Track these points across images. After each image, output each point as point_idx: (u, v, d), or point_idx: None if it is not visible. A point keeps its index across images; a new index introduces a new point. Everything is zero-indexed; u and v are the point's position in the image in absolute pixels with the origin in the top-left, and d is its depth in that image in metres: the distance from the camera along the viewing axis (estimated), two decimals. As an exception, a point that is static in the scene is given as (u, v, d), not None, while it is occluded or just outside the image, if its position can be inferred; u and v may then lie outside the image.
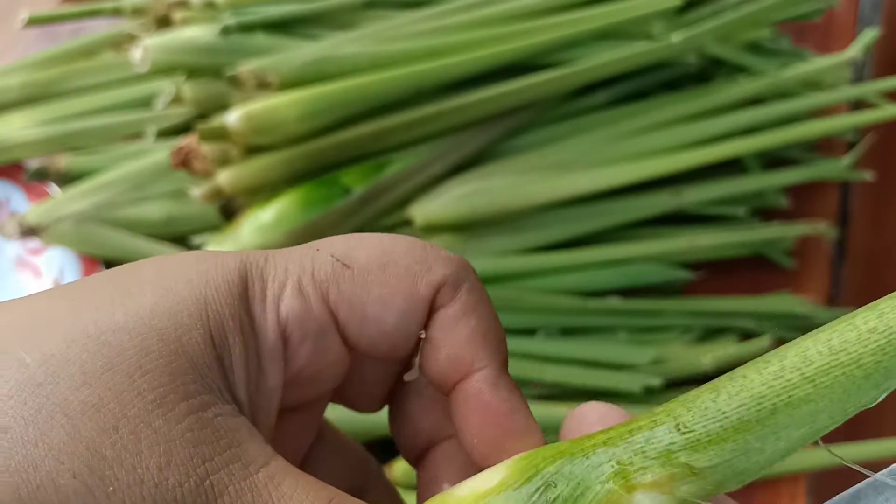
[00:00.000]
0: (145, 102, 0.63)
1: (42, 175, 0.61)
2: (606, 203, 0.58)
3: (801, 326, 0.58)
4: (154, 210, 0.58)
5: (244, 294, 0.23)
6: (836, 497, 0.22)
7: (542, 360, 0.53)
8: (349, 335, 0.25)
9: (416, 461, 0.27)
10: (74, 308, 0.22)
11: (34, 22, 0.66)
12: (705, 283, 0.59)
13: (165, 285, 0.22)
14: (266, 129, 0.52)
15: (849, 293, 0.68)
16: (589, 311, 0.55)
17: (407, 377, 0.27)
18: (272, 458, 0.22)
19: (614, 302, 0.56)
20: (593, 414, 0.24)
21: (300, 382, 0.25)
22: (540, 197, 0.56)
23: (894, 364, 0.20)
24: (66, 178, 0.61)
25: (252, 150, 0.53)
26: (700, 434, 0.21)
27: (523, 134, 0.59)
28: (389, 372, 0.27)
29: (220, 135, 0.52)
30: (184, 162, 0.54)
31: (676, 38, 0.58)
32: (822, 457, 0.50)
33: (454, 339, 0.25)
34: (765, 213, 0.62)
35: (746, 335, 0.57)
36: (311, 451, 0.28)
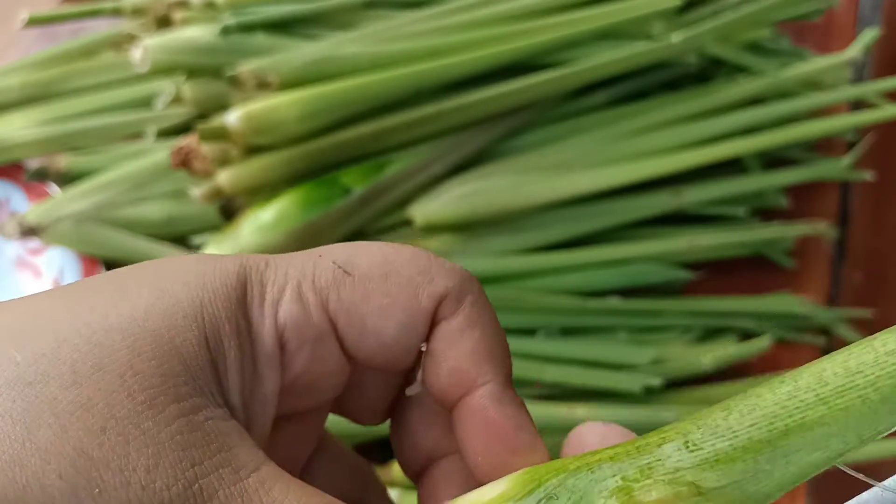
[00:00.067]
0: (145, 102, 0.63)
1: (42, 175, 0.61)
2: (606, 203, 0.58)
3: (801, 326, 0.58)
4: (154, 210, 0.58)
5: (242, 298, 0.23)
6: None
7: (542, 360, 0.53)
8: (348, 345, 0.24)
9: (417, 477, 0.26)
10: (69, 309, 0.22)
11: (34, 22, 0.66)
12: (705, 283, 0.59)
13: (162, 287, 0.22)
14: (266, 129, 0.52)
15: (849, 293, 0.68)
16: (589, 311, 0.55)
17: (409, 392, 0.26)
18: (263, 462, 0.21)
19: (614, 302, 0.56)
20: (592, 435, 0.24)
21: (298, 390, 0.24)
22: (540, 197, 0.56)
23: None
24: (66, 178, 0.61)
25: (252, 150, 0.53)
26: (708, 453, 0.21)
27: (523, 134, 0.59)
28: (391, 384, 0.26)
29: (220, 135, 0.52)
30: (184, 162, 0.54)
31: (676, 38, 0.58)
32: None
33: (457, 353, 0.24)
34: (765, 213, 0.62)
35: (746, 335, 0.57)
36: (311, 461, 0.27)
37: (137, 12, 0.62)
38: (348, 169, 0.54)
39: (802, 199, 0.63)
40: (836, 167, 0.63)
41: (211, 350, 0.22)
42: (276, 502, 0.21)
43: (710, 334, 0.57)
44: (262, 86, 0.53)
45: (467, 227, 0.56)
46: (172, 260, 0.24)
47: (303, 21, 0.58)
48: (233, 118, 0.52)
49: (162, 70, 0.56)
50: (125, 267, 0.24)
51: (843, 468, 0.21)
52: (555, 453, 0.24)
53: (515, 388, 0.25)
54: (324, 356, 0.24)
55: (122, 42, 0.66)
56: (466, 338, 0.24)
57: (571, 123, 0.59)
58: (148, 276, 0.23)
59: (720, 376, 0.55)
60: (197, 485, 0.20)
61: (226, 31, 0.55)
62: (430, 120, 0.55)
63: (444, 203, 0.55)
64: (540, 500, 0.21)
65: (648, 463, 0.21)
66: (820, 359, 0.21)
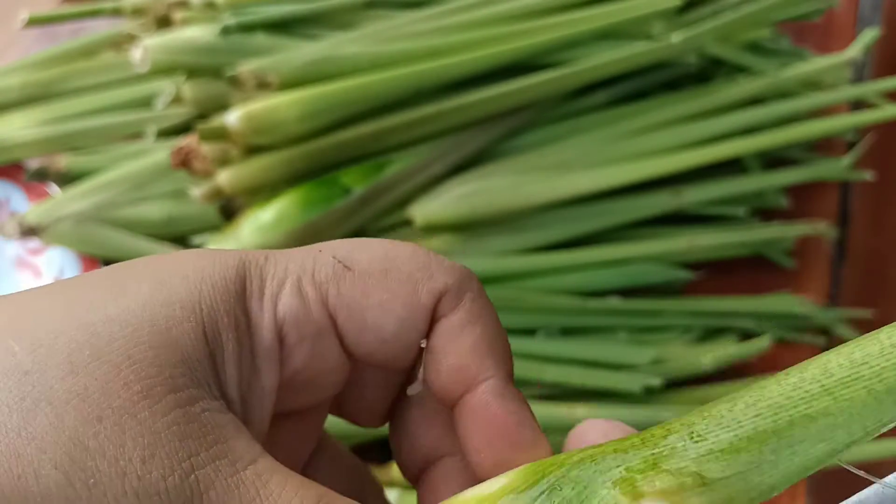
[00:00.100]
0: (145, 102, 0.63)
1: (42, 175, 0.61)
2: (606, 203, 0.58)
3: (801, 326, 0.58)
4: (154, 210, 0.58)
5: (241, 291, 0.23)
6: (845, 502, 0.22)
7: (542, 360, 0.53)
8: (347, 340, 0.24)
9: (416, 478, 0.26)
10: (68, 302, 0.22)
11: (34, 22, 0.66)
12: (705, 283, 0.59)
13: (160, 280, 0.22)
14: (266, 129, 0.52)
15: (849, 293, 0.68)
16: (589, 311, 0.55)
17: (410, 391, 0.26)
18: (260, 455, 0.21)
19: (614, 302, 0.56)
20: (594, 432, 0.24)
21: (297, 386, 0.24)
22: (540, 197, 0.56)
23: None
24: (66, 178, 0.61)
25: (252, 150, 0.53)
26: (713, 443, 0.21)
27: (523, 134, 0.59)
28: (391, 384, 0.26)
29: (220, 135, 0.52)
30: (184, 162, 0.54)
31: (676, 38, 0.58)
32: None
33: (458, 349, 0.24)
34: (765, 213, 0.62)
35: (746, 335, 0.57)
36: (310, 462, 0.27)
37: (137, 12, 0.62)
38: (348, 169, 0.54)
39: (802, 199, 0.63)
40: (836, 167, 0.63)
41: (209, 342, 0.22)
42: (273, 494, 0.21)
43: (710, 334, 0.57)
44: (262, 86, 0.53)
45: (467, 227, 0.56)
46: (171, 255, 0.24)
47: (303, 21, 0.58)
48: (233, 118, 0.52)
49: (162, 70, 0.56)
50: (123, 262, 0.24)
51: (843, 465, 0.21)
52: (556, 453, 0.23)
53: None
54: (323, 352, 0.24)
55: (122, 42, 0.66)
56: (467, 333, 0.24)
57: (571, 123, 0.59)
58: (146, 270, 0.23)
59: (720, 376, 0.55)
60: (193, 476, 0.20)
61: (226, 31, 0.55)
62: (430, 120, 0.55)
63: (444, 203, 0.55)
64: (543, 492, 0.21)
65: (653, 454, 0.21)
66: (826, 352, 0.21)
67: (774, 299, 0.58)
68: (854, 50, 0.64)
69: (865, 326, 0.57)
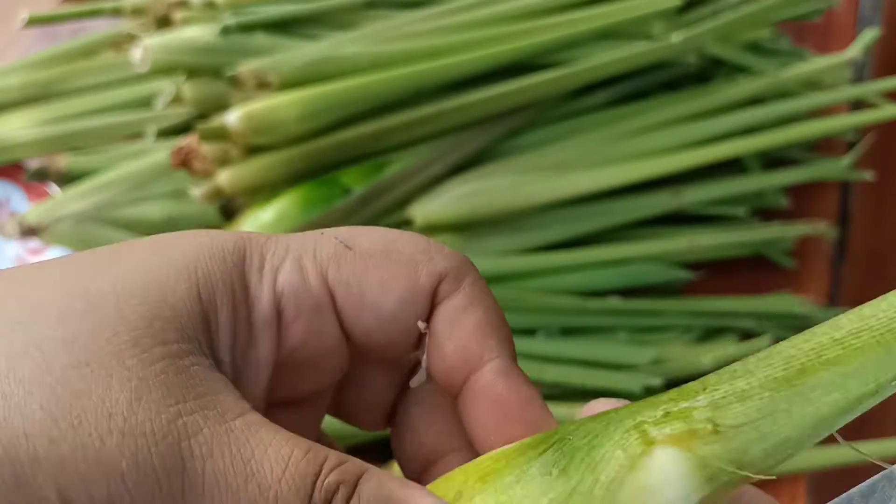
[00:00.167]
0: (145, 102, 0.63)
1: (42, 175, 0.61)
2: (606, 203, 0.58)
3: (801, 326, 0.57)
4: (154, 210, 0.58)
5: (240, 263, 0.23)
6: (853, 489, 0.22)
7: (542, 360, 0.53)
8: (346, 318, 0.24)
9: (417, 477, 0.26)
10: (64, 268, 0.22)
11: (34, 22, 0.66)
12: (705, 283, 0.59)
13: (157, 249, 0.23)
14: (266, 129, 0.52)
15: (849, 293, 0.68)
16: (589, 311, 0.55)
17: (413, 382, 0.26)
18: (249, 410, 0.21)
19: (614, 302, 0.56)
20: (603, 408, 0.23)
21: (295, 367, 0.24)
22: (540, 197, 0.56)
23: None
24: (66, 178, 0.61)
25: (252, 150, 0.53)
26: (725, 391, 0.21)
27: (523, 134, 0.59)
28: (391, 382, 0.26)
29: (220, 135, 0.52)
30: (184, 162, 0.54)
31: (676, 38, 0.58)
32: (822, 457, 0.50)
33: (461, 331, 0.24)
34: (765, 213, 0.62)
35: (746, 335, 0.57)
36: None
37: (137, 12, 0.62)
38: (348, 169, 0.54)
39: (802, 199, 0.63)
40: (836, 167, 0.63)
41: (203, 305, 0.22)
42: (263, 442, 0.21)
43: (710, 334, 0.57)
44: (262, 86, 0.53)
45: (467, 227, 0.56)
46: (171, 233, 0.24)
47: (303, 21, 0.58)
48: (233, 118, 0.52)
49: (162, 70, 0.56)
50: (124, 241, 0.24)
51: (849, 445, 0.21)
52: None
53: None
54: (321, 329, 0.24)
55: (122, 42, 0.66)
56: (469, 315, 0.24)
57: (571, 123, 0.59)
58: (144, 244, 0.23)
59: (720, 376, 0.55)
60: (181, 420, 0.20)
61: (226, 31, 0.55)
62: (430, 120, 0.55)
63: (444, 203, 0.55)
64: (555, 442, 0.22)
65: (665, 407, 0.21)
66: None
67: (774, 299, 0.58)
68: (854, 50, 0.64)
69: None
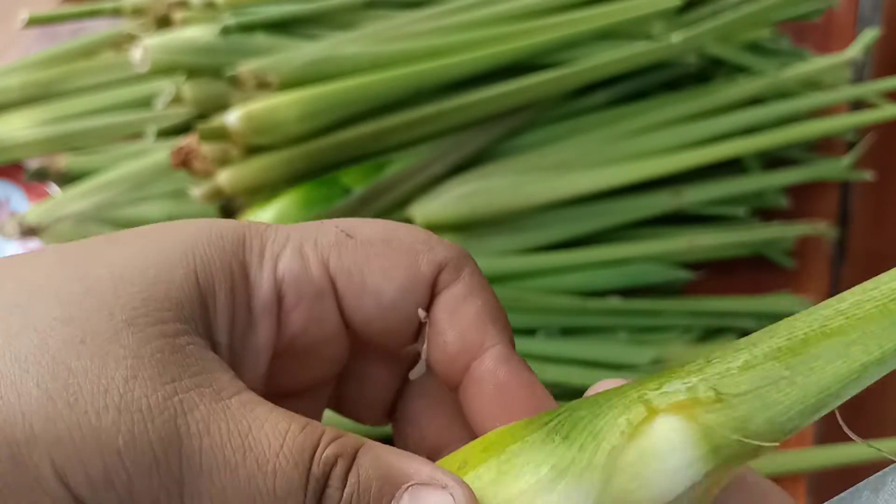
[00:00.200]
0: (145, 102, 0.63)
1: (42, 175, 0.61)
2: (606, 203, 0.58)
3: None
4: (154, 210, 0.58)
5: (239, 249, 0.23)
6: (862, 483, 0.21)
7: (542, 360, 0.53)
8: (346, 306, 0.24)
9: None
10: (63, 253, 0.22)
11: (34, 22, 0.66)
12: (705, 283, 0.59)
13: (155, 236, 0.23)
14: (266, 129, 0.52)
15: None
16: (589, 311, 0.55)
17: (412, 374, 0.26)
18: (245, 390, 0.21)
19: (614, 302, 0.56)
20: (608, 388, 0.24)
21: (296, 354, 0.24)
22: (540, 197, 0.56)
23: None
24: (66, 178, 0.61)
25: (252, 150, 0.53)
26: (728, 360, 0.21)
27: (523, 134, 0.59)
28: (391, 373, 0.27)
29: (220, 135, 0.52)
30: (184, 162, 0.54)
31: (676, 38, 0.58)
32: (821, 456, 0.50)
33: (461, 319, 0.24)
34: (765, 213, 0.62)
35: (746, 335, 0.56)
36: None
37: (137, 12, 0.62)
38: (348, 169, 0.54)
39: (802, 199, 0.63)
40: (836, 167, 0.63)
41: (200, 288, 0.22)
42: (259, 418, 0.21)
43: (710, 334, 0.57)
44: (262, 86, 0.53)
45: (467, 227, 0.56)
46: (168, 222, 0.24)
47: (303, 21, 0.58)
48: (233, 118, 0.52)
49: (162, 70, 0.56)
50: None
51: (855, 437, 0.21)
52: None
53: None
54: (322, 316, 0.24)
55: (122, 42, 0.66)
56: (469, 304, 0.24)
57: (571, 123, 0.59)
58: (141, 231, 0.23)
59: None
60: (177, 397, 0.20)
61: (226, 31, 0.55)
62: (430, 120, 0.55)
63: (444, 203, 0.55)
64: (561, 413, 0.22)
65: (669, 379, 0.21)
66: None
67: (774, 299, 0.58)
68: (854, 50, 0.64)
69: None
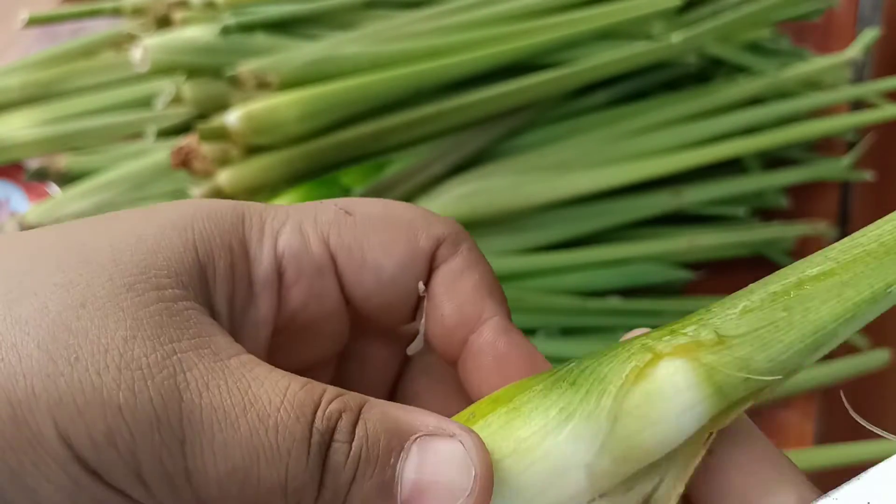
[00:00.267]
0: (145, 102, 0.63)
1: (42, 175, 0.61)
2: (606, 203, 0.58)
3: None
4: (154, 210, 0.58)
5: (238, 225, 0.24)
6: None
7: (542, 360, 0.53)
8: (346, 282, 0.24)
9: None
10: (64, 228, 0.23)
11: (34, 22, 0.66)
12: (705, 283, 0.59)
13: (154, 212, 0.23)
14: (266, 129, 0.52)
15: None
16: (589, 311, 0.55)
17: (411, 349, 0.26)
18: (243, 352, 0.21)
19: (614, 302, 0.56)
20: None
21: (296, 331, 0.25)
22: (540, 197, 0.56)
23: None
24: (66, 178, 0.61)
25: (252, 150, 0.53)
26: (727, 306, 0.22)
27: (523, 134, 0.59)
28: (392, 353, 0.27)
29: (220, 135, 0.52)
30: (184, 162, 0.54)
31: (676, 38, 0.58)
32: (822, 456, 0.50)
33: (460, 291, 0.25)
34: (765, 213, 0.62)
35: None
36: None
37: (137, 12, 0.62)
38: (348, 169, 0.54)
39: (802, 199, 0.63)
40: (836, 167, 0.63)
41: (199, 259, 0.22)
42: (259, 376, 0.21)
43: (710, 334, 0.57)
44: (262, 86, 0.53)
45: (467, 227, 0.55)
46: (168, 202, 0.24)
47: (303, 21, 0.58)
48: (233, 118, 0.52)
49: (162, 70, 0.56)
50: None
51: (862, 421, 0.21)
52: None
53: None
54: (322, 292, 0.24)
55: (122, 42, 0.66)
56: (467, 277, 0.25)
57: (571, 123, 0.59)
58: (141, 210, 0.24)
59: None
60: (176, 356, 0.20)
61: (226, 31, 0.55)
62: (430, 120, 0.55)
63: (444, 203, 0.55)
64: (569, 365, 0.22)
65: (671, 328, 0.22)
66: None
67: (774, 299, 0.58)
68: (854, 50, 0.64)
69: (866, 327, 0.57)
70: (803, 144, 0.64)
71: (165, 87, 0.61)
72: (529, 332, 0.54)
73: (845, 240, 0.22)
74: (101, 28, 0.69)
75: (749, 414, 0.23)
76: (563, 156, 0.57)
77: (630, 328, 0.58)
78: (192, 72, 0.56)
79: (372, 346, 0.27)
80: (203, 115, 0.56)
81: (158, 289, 0.21)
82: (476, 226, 0.56)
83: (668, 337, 0.22)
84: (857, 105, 0.67)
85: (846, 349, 0.57)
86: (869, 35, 0.65)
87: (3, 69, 0.67)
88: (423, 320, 0.25)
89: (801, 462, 0.51)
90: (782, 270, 0.22)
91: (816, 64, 0.64)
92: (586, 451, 0.21)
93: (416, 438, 0.21)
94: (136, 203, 0.58)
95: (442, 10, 0.57)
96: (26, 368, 0.19)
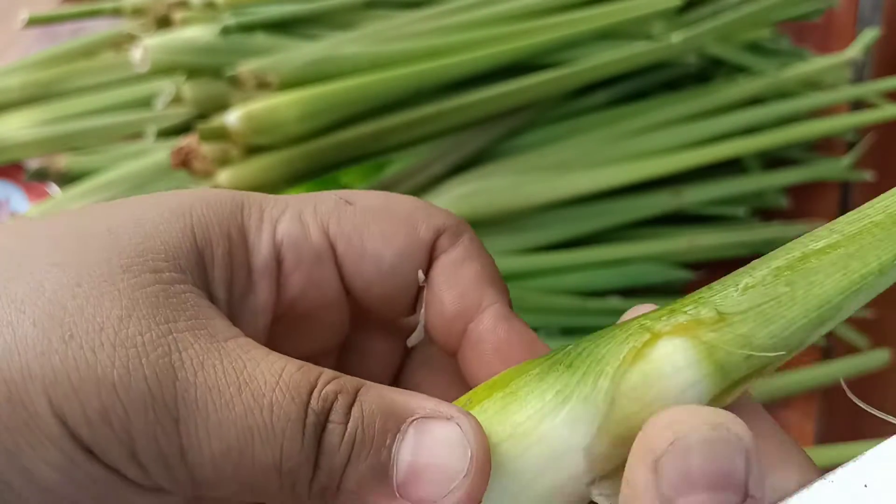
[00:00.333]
0: (145, 102, 0.63)
1: (42, 175, 0.61)
2: (606, 203, 0.58)
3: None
4: (154, 210, 0.58)
5: (237, 212, 0.24)
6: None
7: (542, 360, 0.53)
8: (346, 271, 0.24)
9: None
10: (63, 214, 0.23)
11: (34, 22, 0.66)
12: (705, 283, 0.59)
13: (152, 199, 0.23)
14: (266, 129, 0.52)
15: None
16: (589, 311, 0.55)
17: (411, 341, 0.26)
18: (240, 335, 0.21)
19: (614, 302, 0.56)
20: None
21: (296, 319, 0.25)
22: (540, 197, 0.56)
23: None
24: (66, 178, 0.61)
25: (252, 150, 0.53)
26: (728, 284, 0.21)
27: (523, 134, 0.59)
28: (392, 345, 0.27)
29: (220, 135, 0.52)
30: (184, 162, 0.54)
31: (676, 38, 0.58)
32: (821, 456, 0.50)
33: (459, 281, 0.24)
34: (765, 213, 0.62)
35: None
36: None
37: (137, 12, 0.62)
38: (348, 169, 0.54)
39: (802, 199, 0.63)
40: (836, 167, 0.63)
41: (198, 244, 0.22)
42: (255, 358, 0.21)
43: (710, 334, 0.57)
44: (262, 86, 0.53)
45: (467, 227, 0.56)
46: (167, 191, 0.24)
47: (303, 21, 0.58)
48: (233, 118, 0.52)
49: (162, 70, 0.56)
50: None
51: (863, 405, 0.21)
52: None
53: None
54: (321, 281, 0.24)
55: (122, 42, 0.66)
56: (468, 266, 0.25)
57: (571, 123, 0.59)
58: (139, 197, 0.24)
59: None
60: (171, 336, 0.20)
61: (226, 31, 0.55)
62: (430, 120, 0.55)
63: (444, 203, 0.55)
64: (565, 348, 0.22)
65: (671, 307, 0.21)
66: None
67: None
68: (854, 50, 0.64)
69: (866, 327, 0.57)
70: (803, 144, 0.64)
71: (165, 87, 0.61)
72: (529, 332, 0.54)
73: (851, 212, 0.21)
74: (101, 28, 0.69)
75: None
76: (563, 156, 0.57)
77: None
78: (192, 72, 0.56)
79: (372, 339, 0.27)
80: (203, 115, 0.56)
81: (156, 271, 0.21)
82: (476, 226, 0.55)
83: (667, 316, 0.21)
84: (857, 105, 0.67)
85: (846, 349, 0.57)
86: (869, 35, 0.65)
87: (3, 69, 0.67)
88: (423, 311, 0.25)
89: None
90: (786, 245, 0.21)
91: (816, 64, 0.64)
92: (584, 433, 0.20)
93: (413, 421, 0.21)
94: (136, 203, 0.58)
95: (442, 10, 0.57)
96: (21, 346, 0.19)
